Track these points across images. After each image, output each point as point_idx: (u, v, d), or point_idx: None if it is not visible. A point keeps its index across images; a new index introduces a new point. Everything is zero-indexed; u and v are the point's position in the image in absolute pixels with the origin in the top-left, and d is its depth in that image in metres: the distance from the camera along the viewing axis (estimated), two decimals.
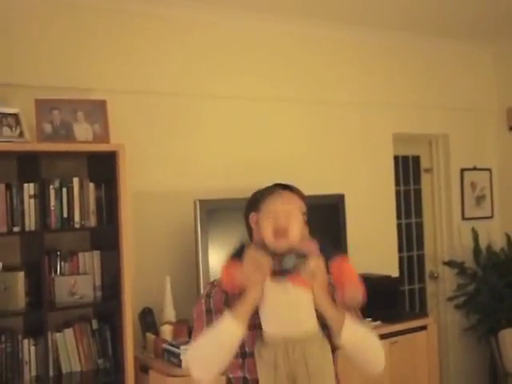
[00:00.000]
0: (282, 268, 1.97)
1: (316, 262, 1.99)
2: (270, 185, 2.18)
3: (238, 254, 2.03)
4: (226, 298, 2.11)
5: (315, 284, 1.98)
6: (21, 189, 3.45)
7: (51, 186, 3.54)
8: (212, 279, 2.25)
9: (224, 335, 1.98)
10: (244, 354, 2.07)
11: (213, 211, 3.88)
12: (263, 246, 2.01)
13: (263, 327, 2.00)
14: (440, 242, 5.73)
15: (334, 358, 2.09)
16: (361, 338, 2.11)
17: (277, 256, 1.99)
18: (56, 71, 3.84)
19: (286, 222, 2.00)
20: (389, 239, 5.26)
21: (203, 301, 2.15)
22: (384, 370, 3.60)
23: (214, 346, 2.01)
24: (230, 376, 2.14)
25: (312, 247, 2.03)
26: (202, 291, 3.69)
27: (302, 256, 1.98)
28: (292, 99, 4.74)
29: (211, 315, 2.10)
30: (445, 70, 5.53)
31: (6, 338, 3.46)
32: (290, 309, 1.97)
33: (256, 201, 2.13)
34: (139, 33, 4.13)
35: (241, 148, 4.48)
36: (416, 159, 5.74)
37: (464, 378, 5.62)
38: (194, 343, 2.08)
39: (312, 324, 2.00)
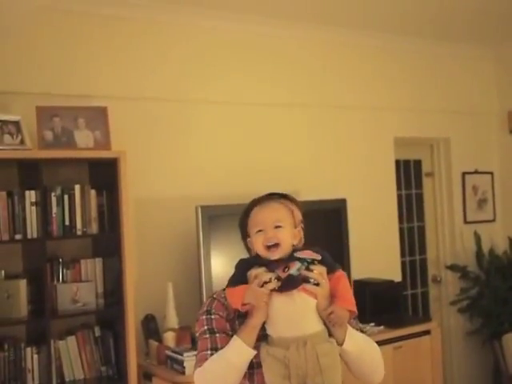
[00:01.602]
0: (288, 277, 1.95)
1: (319, 270, 1.99)
2: (264, 194, 2.16)
3: (238, 275, 2.03)
4: (227, 314, 2.09)
5: (319, 292, 1.98)
6: (22, 196, 3.45)
7: (53, 194, 3.53)
8: (212, 293, 2.23)
9: (234, 358, 1.97)
10: (252, 366, 2.04)
11: (214, 217, 3.87)
12: (262, 258, 2.01)
13: (270, 334, 1.99)
14: (442, 245, 5.72)
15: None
16: (362, 346, 2.11)
17: (280, 263, 1.98)
18: (57, 78, 3.84)
19: (275, 232, 1.99)
20: (391, 243, 5.25)
21: (204, 318, 2.11)
22: (388, 375, 3.58)
23: (224, 370, 1.99)
24: None
25: (313, 256, 2.02)
26: (204, 298, 3.69)
27: (306, 263, 1.98)
28: (293, 104, 4.74)
29: (214, 336, 2.06)
30: (446, 73, 5.53)
31: (8, 346, 3.45)
32: (296, 316, 1.97)
33: (247, 211, 2.12)
34: (140, 39, 4.13)
35: (242, 153, 4.48)
36: (417, 163, 5.73)
37: (468, 382, 5.60)
38: (202, 367, 2.03)
39: (320, 327, 2.00)
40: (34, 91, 3.73)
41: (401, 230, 5.45)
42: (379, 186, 5.16)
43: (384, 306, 4.53)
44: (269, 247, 1.98)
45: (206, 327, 2.09)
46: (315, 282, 1.97)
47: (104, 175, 3.71)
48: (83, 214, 3.61)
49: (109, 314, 3.75)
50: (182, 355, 3.53)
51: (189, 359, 3.49)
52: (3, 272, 3.56)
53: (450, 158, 5.66)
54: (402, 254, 5.45)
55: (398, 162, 5.41)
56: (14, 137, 3.43)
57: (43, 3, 3.75)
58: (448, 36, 5.26)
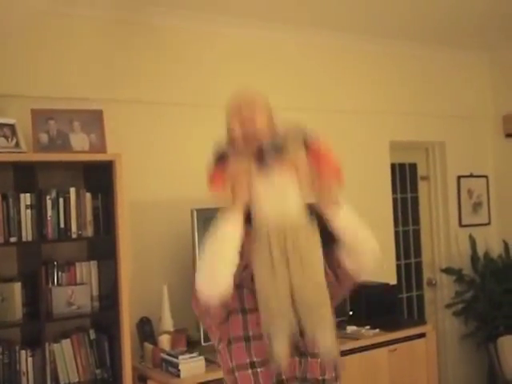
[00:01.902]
0: (265, 160, 1.98)
1: (295, 150, 2.01)
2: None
3: (219, 160, 2.06)
4: None
5: (299, 171, 2.00)
6: (17, 199, 3.44)
7: (48, 197, 3.53)
8: None
9: (224, 236, 1.99)
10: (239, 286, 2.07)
11: (210, 220, 3.85)
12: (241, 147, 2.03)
13: (254, 216, 2.01)
14: (437, 249, 5.73)
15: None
16: (352, 220, 2.17)
17: (258, 152, 1.99)
18: (52, 81, 3.84)
19: (251, 111, 2.03)
20: (386, 247, 5.25)
21: None
22: (383, 378, 3.61)
23: (217, 251, 1.99)
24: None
25: (287, 132, 2.05)
26: None
27: (281, 145, 2.00)
28: (290, 108, 4.72)
29: None
30: (441, 77, 5.54)
31: (3, 349, 3.44)
32: (277, 195, 1.98)
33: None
34: (135, 43, 4.13)
35: None
36: (413, 167, 5.74)
37: None
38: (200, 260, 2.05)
39: (300, 209, 2.01)
40: (29, 94, 3.73)
41: (396, 234, 5.46)
42: (375, 189, 5.16)
43: (379, 309, 4.53)
44: (244, 124, 2.03)
45: None
46: (291, 157, 1.98)
47: (99, 178, 3.71)
48: (78, 217, 3.61)
49: (104, 317, 3.74)
50: (177, 358, 3.52)
51: (184, 362, 3.50)
52: None
53: (446, 162, 5.67)
54: (398, 257, 5.46)
55: (393, 166, 5.42)
56: (9, 140, 3.43)
57: (39, 7, 3.76)
58: (443, 41, 5.27)
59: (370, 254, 2.21)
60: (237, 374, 2.06)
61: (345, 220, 2.10)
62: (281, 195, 1.99)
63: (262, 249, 1.97)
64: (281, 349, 1.95)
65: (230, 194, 2.02)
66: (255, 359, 2.04)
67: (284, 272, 1.95)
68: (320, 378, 2.05)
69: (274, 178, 1.98)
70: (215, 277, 1.98)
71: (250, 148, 2.00)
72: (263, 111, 2.07)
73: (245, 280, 2.10)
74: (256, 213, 2.00)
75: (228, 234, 1.99)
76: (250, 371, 2.04)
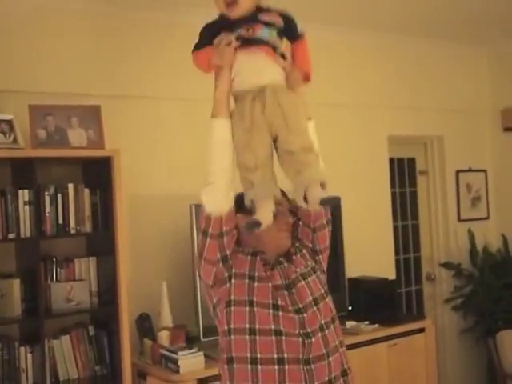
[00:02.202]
0: (256, 37, 1.99)
1: (287, 42, 2.05)
2: None
3: (207, 38, 2.07)
4: None
5: (286, 66, 2.03)
6: (15, 195, 3.43)
7: (46, 193, 3.52)
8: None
9: (219, 136, 2.04)
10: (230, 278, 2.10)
11: None
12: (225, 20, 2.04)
13: (235, 92, 2.05)
14: (436, 243, 5.73)
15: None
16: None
17: (243, 23, 2.00)
18: (50, 77, 3.83)
19: None
20: (385, 241, 5.26)
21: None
22: (382, 373, 3.62)
23: (215, 152, 2.03)
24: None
25: (278, 20, 2.05)
26: (198, 297, 3.70)
27: (275, 30, 2.02)
28: None
29: None
30: (439, 71, 5.54)
31: (2, 346, 3.43)
32: (259, 68, 2.01)
33: None
34: (134, 37, 4.12)
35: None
36: (411, 161, 5.74)
37: (462, 379, 5.61)
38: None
39: (279, 78, 2.04)
40: (26, 90, 3.72)
41: (395, 228, 5.45)
42: (373, 184, 5.16)
43: (378, 303, 4.53)
44: (227, 4, 2.01)
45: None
46: (282, 54, 2.02)
47: (97, 174, 3.70)
48: (77, 213, 3.60)
49: (103, 313, 3.74)
50: (176, 354, 3.52)
51: (183, 358, 3.49)
52: None
53: (444, 156, 5.67)
54: (396, 252, 5.46)
55: (391, 161, 5.41)
56: (7, 136, 3.42)
57: (37, 3, 3.75)
58: (442, 34, 5.26)
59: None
60: (233, 337, 2.06)
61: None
62: (261, 65, 2.01)
63: (240, 116, 2.00)
64: (265, 213, 1.99)
65: (216, 66, 2.05)
66: (256, 326, 2.04)
67: (262, 137, 1.97)
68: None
69: (260, 57, 2.00)
70: (216, 193, 2.02)
71: (238, 26, 2.01)
72: None
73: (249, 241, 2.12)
74: (237, 84, 2.03)
75: (222, 144, 2.02)
76: (247, 337, 2.04)
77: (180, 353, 3.51)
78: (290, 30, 2.07)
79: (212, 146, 2.03)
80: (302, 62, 2.08)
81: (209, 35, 2.05)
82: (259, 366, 2.02)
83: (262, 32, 1.98)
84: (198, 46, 2.08)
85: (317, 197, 2.00)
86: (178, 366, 3.48)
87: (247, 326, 2.04)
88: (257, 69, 2.00)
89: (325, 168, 2.09)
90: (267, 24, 2.00)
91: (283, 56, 2.02)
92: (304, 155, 1.99)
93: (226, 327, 2.08)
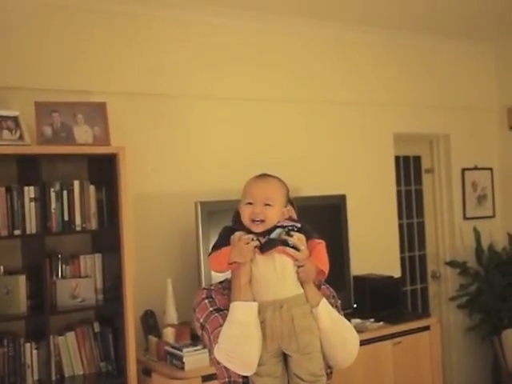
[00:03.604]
0: (269, 240, 2.02)
1: (299, 236, 2.05)
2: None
3: (222, 240, 2.09)
4: (228, 298, 2.11)
5: (298, 256, 2.03)
6: (21, 192, 3.44)
7: (52, 189, 3.53)
8: (204, 286, 2.29)
9: (244, 318, 1.99)
10: None
11: (214, 213, 3.87)
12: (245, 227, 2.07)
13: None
14: (442, 242, 5.72)
15: None
16: (334, 318, 2.12)
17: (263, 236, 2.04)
18: (56, 74, 3.83)
19: (263, 209, 2.03)
20: (390, 239, 5.25)
21: (206, 302, 2.14)
22: (387, 371, 3.61)
23: (241, 332, 1.99)
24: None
25: (293, 223, 2.08)
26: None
27: (287, 229, 2.05)
28: (292, 100, 4.73)
29: (223, 312, 2.08)
30: (445, 69, 5.52)
31: (7, 342, 3.45)
32: (275, 279, 2.02)
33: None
34: (139, 35, 4.12)
35: (241, 149, 4.47)
36: (417, 159, 5.73)
37: (467, 377, 5.60)
38: (219, 343, 2.03)
39: (298, 291, 2.04)
40: (32, 87, 3.72)
41: (400, 226, 5.45)
42: (379, 182, 5.15)
43: (383, 301, 4.53)
44: (254, 221, 2.03)
45: (211, 308, 2.12)
46: (294, 246, 2.02)
47: (103, 171, 3.71)
48: (82, 210, 3.60)
49: (108, 310, 3.74)
50: (181, 351, 3.53)
51: (188, 355, 3.50)
52: (2, 268, 3.56)
53: (450, 154, 5.65)
54: (402, 250, 5.45)
55: (397, 158, 5.40)
56: (13, 132, 3.43)
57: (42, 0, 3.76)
58: (448, 32, 5.25)
59: (343, 356, 2.19)
60: None
61: (324, 314, 2.08)
62: (280, 272, 2.02)
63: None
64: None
65: (233, 271, 2.07)
66: None
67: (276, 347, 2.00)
68: None
69: (275, 256, 2.02)
70: (249, 361, 2.00)
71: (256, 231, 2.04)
72: (278, 204, 2.08)
73: None
74: (254, 294, 2.03)
75: (248, 323, 1.99)
76: None
77: (185, 350, 3.52)
78: (304, 232, 2.09)
79: (240, 328, 2.01)
80: (317, 259, 2.08)
81: (227, 238, 2.08)
82: None
83: (274, 233, 2.03)
84: (217, 247, 2.09)
85: None
86: (183, 363, 3.49)
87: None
88: (273, 280, 2.02)
89: None
90: (281, 227, 2.05)
91: (296, 248, 2.03)
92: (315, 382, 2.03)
93: (226, 379, 2.13)
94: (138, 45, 4.12)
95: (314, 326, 2.04)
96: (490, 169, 5.85)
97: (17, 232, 3.42)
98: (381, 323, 4.31)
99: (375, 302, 4.50)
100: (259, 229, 2.03)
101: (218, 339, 2.03)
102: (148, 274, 4.02)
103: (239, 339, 1.99)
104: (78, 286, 3.64)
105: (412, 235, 5.67)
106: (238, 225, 2.09)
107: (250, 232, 2.05)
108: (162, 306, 3.88)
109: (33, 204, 3.45)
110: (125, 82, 4.05)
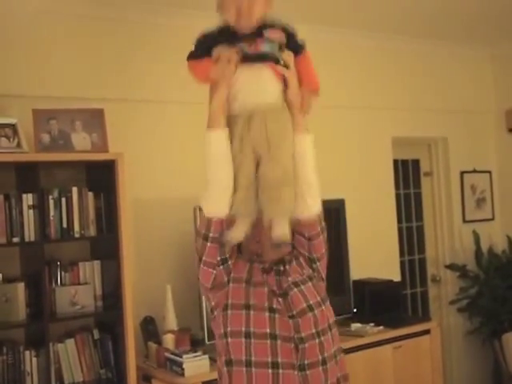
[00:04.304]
0: (260, 53, 1.98)
1: (289, 53, 2.03)
2: None
3: (203, 48, 2.06)
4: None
5: (289, 75, 2.02)
6: (19, 199, 3.44)
7: (50, 196, 3.52)
8: None
9: (216, 149, 2.01)
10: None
11: None
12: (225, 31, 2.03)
13: (232, 111, 2.03)
14: (441, 245, 5.72)
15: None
16: (311, 156, 2.17)
17: (246, 37, 1.99)
18: (53, 81, 3.83)
19: (249, 3, 1.97)
20: (390, 243, 5.25)
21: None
22: (388, 375, 3.60)
23: (212, 162, 2.02)
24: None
25: (282, 38, 2.03)
26: (203, 300, 3.69)
27: (277, 44, 2.00)
28: None
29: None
30: (443, 72, 5.53)
31: (7, 350, 3.44)
32: (258, 82, 2.01)
33: None
34: (137, 41, 4.12)
35: None
36: (415, 163, 5.73)
37: (468, 381, 5.59)
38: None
39: (277, 100, 2.04)
40: (30, 94, 3.72)
41: (399, 230, 5.44)
42: (377, 185, 5.15)
43: (383, 305, 4.52)
44: (240, 13, 1.98)
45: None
46: (285, 64, 2.00)
47: (101, 177, 3.70)
48: (81, 217, 3.60)
49: (107, 317, 3.74)
50: (181, 357, 3.52)
51: (188, 361, 3.49)
52: (1, 275, 3.55)
53: (448, 158, 5.66)
54: (401, 254, 5.45)
55: (396, 162, 5.41)
56: (11, 140, 3.42)
57: (40, 7, 3.75)
58: (445, 35, 5.26)
59: (310, 189, 2.22)
60: (229, 339, 2.06)
61: (305, 143, 2.13)
62: (261, 85, 2.01)
63: (231, 136, 2.01)
64: (236, 232, 2.04)
65: (214, 80, 2.03)
66: (252, 329, 2.04)
67: (247, 159, 1.99)
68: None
69: (263, 72, 2.00)
70: (215, 198, 2.03)
71: (239, 39, 1.99)
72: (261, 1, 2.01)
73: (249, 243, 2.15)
74: (233, 97, 2.02)
75: (218, 155, 2.00)
76: (243, 340, 2.04)
77: (185, 356, 3.51)
78: (291, 44, 2.05)
79: (210, 157, 2.03)
80: (307, 75, 2.08)
81: (206, 45, 2.04)
82: (253, 369, 2.02)
83: (264, 47, 1.98)
84: (194, 56, 2.07)
85: (279, 234, 2.03)
86: (183, 369, 3.48)
87: (243, 329, 2.04)
88: (255, 90, 2.01)
89: (293, 200, 2.07)
90: (269, 39, 1.99)
91: (286, 66, 2.01)
92: (277, 187, 1.99)
93: (222, 330, 2.09)
94: (136, 51, 4.12)
95: (290, 135, 2.05)
96: (489, 171, 5.86)
97: (15, 239, 3.42)
98: (381, 327, 4.31)
99: (375, 306, 4.50)
100: (245, 25, 1.97)
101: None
102: (147, 280, 4.01)
103: (215, 169, 2.01)
104: (78, 293, 3.63)
105: (411, 239, 5.66)
106: (219, 32, 2.03)
107: (233, 39, 1.98)
108: (162, 312, 3.87)
109: (31, 211, 3.44)
110: (122, 89, 4.05)
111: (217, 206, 2.04)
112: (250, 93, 2.00)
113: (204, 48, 2.03)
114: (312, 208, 2.18)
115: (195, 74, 2.10)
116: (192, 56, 2.09)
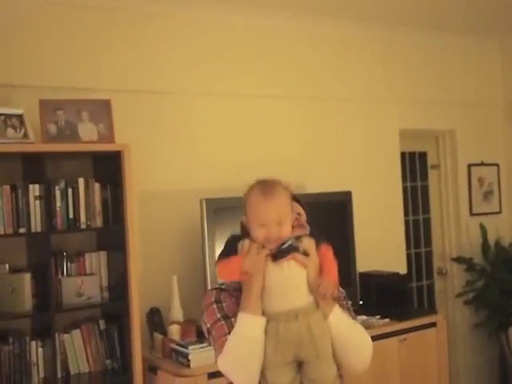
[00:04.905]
0: (280, 249, 2.00)
1: (309, 242, 2.03)
2: (254, 183, 2.12)
3: (230, 249, 2.06)
4: (236, 301, 2.10)
5: (309, 262, 2.01)
6: (26, 190, 3.44)
7: (56, 187, 3.52)
8: (215, 286, 2.26)
9: (250, 333, 1.98)
10: None
11: (219, 210, 3.86)
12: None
13: (264, 309, 2.01)
14: (448, 238, 5.70)
15: None
16: (348, 325, 2.10)
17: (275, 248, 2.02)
18: (60, 71, 3.83)
19: (277, 229, 2.00)
20: (396, 236, 5.24)
21: (214, 307, 2.13)
22: (394, 368, 3.58)
23: (246, 347, 1.98)
24: None
25: (304, 232, 2.08)
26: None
27: (298, 238, 2.03)
28: (297, 97, 4.72)
29: (230, 320, 2.07)
30: (450, 64, 5.50)
31: (13, 340, 3.45)
32: (288, 286, 2.00)
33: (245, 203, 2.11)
34: (143, 32, 4.11)
35: (247, 146, 4.46)
36: (423, 155, 5.71)
37: (474, 374, 5.59)
38: (223, 353, 2.03)
39: (310, 299, 2.02)
40: (37, 84, 3.72)
41: (406, 223, 5.43)
42: (384, 178, 5.14)
43: (389, 298, 4.51)
44: (269, 240, 2.00)
45: (218, 315, 2.10)
46: (304, 252, 2.00)
47: (108, 168, 3.70)
48: (87, 208, 3.60)
49: (113, 308, 3.74)
50: (186, 348, 3.52)
51: (194, 352, 3.49)
52: (7, 266, 3.56)
53: (456, 150, 5.63)
54: (408, 247, 5.44)
55: (403, 155, 5.39)
56: (18, 130, 3.42)
57: None
58: (453, 27, 5.23)
59: (357, 361, 2.14)
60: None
61: (337, 321, 2.06)
62: (292, 282, 2.01)
63: (272, 336, 1.98)
64: None
65: (244, 281, 2.03)
66: None
67: (289, 358, 1.98)
68: None
69: (286, 266, 2.00)
70: (249, 377, 2.00)
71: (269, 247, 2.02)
72: (289, 219, 2.04)
73: None
74: (264, 302, 2.01)
75: (254, 338, 1.98)
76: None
77: (190, 347, 3.51)
78: (312, 237, 2.07)
79: (242, 339, 2.00)
80: (328, 266, 2.05)
81: (234, 247, 2.05)
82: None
83: (287, 243, 2.01)
84: (225, 256, 2.06)
85: None
86: (189, 360, 3.48)
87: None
88: (286, 289, 2.00)
89: None
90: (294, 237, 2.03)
91: (305, 253, 2.01)
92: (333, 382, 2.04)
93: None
94: (143, 42, 4.11)
95: (328, 331, 2.02)
96: (497, 164, 5.83)
97: (22, 230, 3.42)
98: (387, 320, 4.30)
99: (381, 298, 4.49)
100: (274, 246, 2.00)
101: (223, 350, 2.02)
102: (153, 272, 4.01)
103: (243, 354, 1.98)
104: (84, 283, 3.63)
105: (418, 231, 5.65)
106: (245, 235, 2.06)
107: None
108: (168, 304, 3.88)
109: (38, 202, 3.45)
110: (129, 80, 4.05)
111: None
112: (283, 294, 2.00)
113: (233, 248, 2.05)
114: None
115: (227, 272, 2.07)
116: (221, 256, 2.07)
